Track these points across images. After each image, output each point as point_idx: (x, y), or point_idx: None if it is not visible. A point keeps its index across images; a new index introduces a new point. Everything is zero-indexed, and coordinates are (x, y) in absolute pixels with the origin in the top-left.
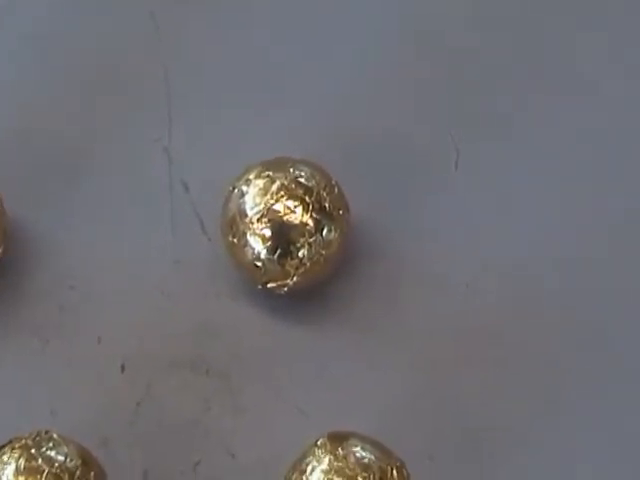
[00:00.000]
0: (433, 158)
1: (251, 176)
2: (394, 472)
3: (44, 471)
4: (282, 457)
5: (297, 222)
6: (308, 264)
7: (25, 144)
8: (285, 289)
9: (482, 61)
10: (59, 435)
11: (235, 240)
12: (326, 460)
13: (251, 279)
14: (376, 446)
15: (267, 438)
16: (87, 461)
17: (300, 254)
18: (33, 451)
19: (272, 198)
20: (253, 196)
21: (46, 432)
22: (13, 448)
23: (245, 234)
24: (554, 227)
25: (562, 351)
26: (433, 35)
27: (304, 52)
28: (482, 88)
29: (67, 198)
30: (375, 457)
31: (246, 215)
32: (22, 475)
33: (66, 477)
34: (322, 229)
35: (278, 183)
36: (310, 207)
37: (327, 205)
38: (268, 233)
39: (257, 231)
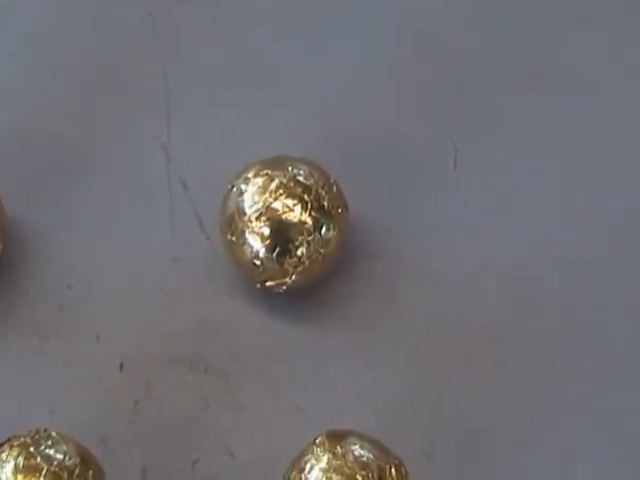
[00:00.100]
0: (432, 157)
1: (250, 174)
2: (392, 470)
3: (43, 469)
4: (281, 455)
5: (296, 220)
6: (307, 262)
7: (25, 144)
8: (284, 287)
9: (481, 61)
10: (58, 433)
11: (234, 238)
12: (325, 458)
13: (250, 277)
14: (374, 444)
15: (266, 436)
16: (86, 459)
17: (299, 252)
18: (32, 449)
19: (271, 196)
20: (252, 194)
21: (45, 430)
22: (12, 446)
23: (244, 232)
24: (554, 227)
25: (562, 351)
26: (432, 35)
27: (303, 52)
28: (481, 88)
29: (66, 197)
30: (373, 455)
31: (245, 213)
32: (21, 473)
33: (65, 475)
34: (321, 227)
35: (277, 181)
36: (309, 205)
37: (326, 204)
38: (267, 231)
39: (256, 229)
